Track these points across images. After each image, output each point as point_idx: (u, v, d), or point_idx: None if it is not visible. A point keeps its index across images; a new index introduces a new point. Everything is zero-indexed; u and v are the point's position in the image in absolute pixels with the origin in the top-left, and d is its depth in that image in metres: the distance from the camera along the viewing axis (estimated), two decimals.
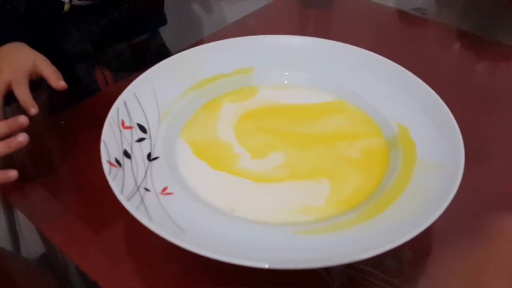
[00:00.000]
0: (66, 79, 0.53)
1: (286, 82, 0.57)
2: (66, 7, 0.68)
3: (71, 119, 0.60)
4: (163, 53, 0.84)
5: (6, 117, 0.48)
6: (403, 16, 0.84)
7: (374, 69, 0.55)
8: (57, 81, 0.52)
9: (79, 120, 0.59)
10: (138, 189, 0.42)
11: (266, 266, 0.35)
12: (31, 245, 0.50)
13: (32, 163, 0.51)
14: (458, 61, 0.73)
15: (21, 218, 0.50)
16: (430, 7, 0.87)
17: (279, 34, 0.77)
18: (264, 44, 0.58)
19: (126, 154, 0.45)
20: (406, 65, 0.67)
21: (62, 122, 0.55)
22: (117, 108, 0.48)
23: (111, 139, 0.45)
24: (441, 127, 0.47)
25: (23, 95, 0.50)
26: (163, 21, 0.84)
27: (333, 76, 0.56)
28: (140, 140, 0.47)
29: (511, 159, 0.53)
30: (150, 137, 0.48)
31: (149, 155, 0.46)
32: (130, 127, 0.48)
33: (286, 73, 0.57)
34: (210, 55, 0.57)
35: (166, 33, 0.85)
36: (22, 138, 0.44)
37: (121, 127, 0.47)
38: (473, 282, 0.42)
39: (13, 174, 0.44)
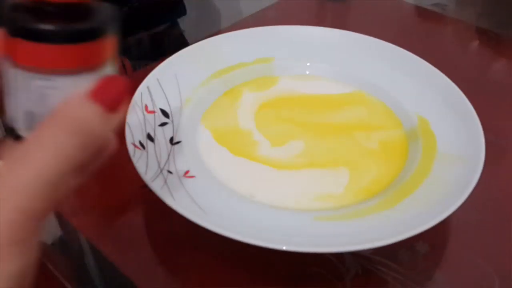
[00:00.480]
0: None
1: (307, 72, 0.57)
2: None
3: None
4: (181, 43, 0.85)
5: None
6: (421, 12, 0.85)
7: (395, 61, 0.55)
8: None
9: None
10: (161, 171, 0.42)
11: (284, 248, 0.36)
12: (48, 228, 0.51)
13: None
14: (477, 58, 0.73)
15: None
16: (449, 3, 0.87)
17: (298, 23, 0.78)
18: (285, 34, 0.59)
19: (150, 138, 0.46)
20: (425, 60, 0.68)
21: None
22: (141, 93, 0.49)
23: (135, 122, 0.46)
24: (462, 120, 0.47)
25: None
26: (183, 12, 0.84)
27: (353, 67, 0.56)
28: (163, 124, 0.48)
29: None
30: (172, 122, 0.49)
31: (171, 139, 0.47)
32: (153, 112, 0.49)
33: (308, 64, 0.58)
34: (231, 44, 0.57)
35: (185, 23, 0.86)
36: None
37: (145, 111, 0.48)
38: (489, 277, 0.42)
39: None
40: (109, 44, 0.29)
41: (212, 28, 1.04)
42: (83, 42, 0.27)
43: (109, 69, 0.30)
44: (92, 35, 0.28)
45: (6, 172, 0.24)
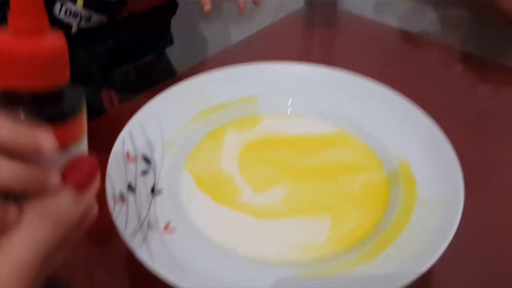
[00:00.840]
0: None
1: (289, 110, 0.58)
2: (74, 29, 0.68)
3: None
4: (169, 73, 0.85)
5: None
6: (407, 36, 0.85)
7: (378, 100, 0.55)
8: None
9: (88, 141, 0.60)
10: (141, 225, 0.42)
11: None
12: None
13: None
14: (462, 84, 0.74)
15: None
16: (435, 28, 0.87)
17: (284, 54, 0.79)
18: (269, 72, 0.59)
19: (130, 188, 0.46)
20: (409, 86, 0.68)
21: None
22: (123, 139, 0.49)
23: (116, 172, 0.46)
24: (443, 165, 0.47)
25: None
26: (170, 41, 0.84)
27: (336, 106, 0.57)
28: (144, 172, 0.48)
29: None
30: (154, 169, 0.49)
31: (153, 188, 0.47)
32: (135, 159, 0.49)
33: (290, 102, 0.58)
34: (215, 83, 0.57)
35: (172, 52, 0.86)
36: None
37: (126, 159, 0.48)
38: None
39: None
40: (78, 123, 0.29)
41: (200, 55, 1.05)
42: (53, 124, 0.28)
43: (80, 148, 0.30)
44: (61, 117, 0.28)
45: None
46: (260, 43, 0.83)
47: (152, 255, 0.39)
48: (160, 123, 0.52)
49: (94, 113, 0.73)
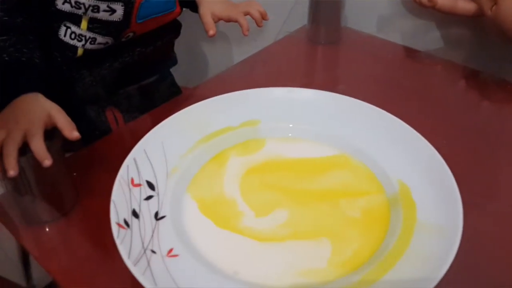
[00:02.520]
0: (78, 119, 0.55)
1: (290, 135, 0.58)
2: (80, 51, 0.70)
3: (83, 162, 0.62)
4: (174, 92, 0.86)
5: (21, 166, 0.50)
6: (410, 53, 0.86)
7: (379, 125, 0.56)
8: (71, 132, 0.53)
9: (91, 162, 0.61)
10: (145, 251, 0.43)
11: None
12: (42, 274, 0.52)
13: (45, 208, 0.53)
14: (465, 100, 0.74)
15: None
16: (438, 45, 0.88)
17: (288, 72, 0.80)
18: (270, 96, 0.60)
19: (135, 214, 0.47)
20: (412, 103, 0.69)
21: (75, 174, 0.56)
22: (127, 166, 0.50)
23: (121, 199, 0.47)
24: (442, 190, 0.48)
25: (38, 147, 0.52)
26: (174, 62, 0.86)
27: (337, 130, 0.57)
28: (148, 198, 0.49)
29: None
30: (158, 194, 0.50)
31: (156, 214, 0.48)
32: (139, 185, 0.50)
33: (291, 126, 0.59)
34: (217, 108, 0.58)
35: (177, 72, 0.88)
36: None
37: (131, 185, 0.49)
38: None
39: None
40: None
41: (204, 75, 1.06)
42: None
43: None
44: None
45: None
46: (264, 62, 0.84)
47: (156, 281, 0.40)
48: (164, 149, 0.53)
49: (99, 132, 0.75)
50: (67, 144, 0.55)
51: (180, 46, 0.86)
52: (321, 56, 0.87)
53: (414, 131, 0.54)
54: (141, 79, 0.81)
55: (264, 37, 0.98)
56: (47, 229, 0.54)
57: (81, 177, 0.57)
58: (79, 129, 0.53)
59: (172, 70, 0.87)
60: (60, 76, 0.72)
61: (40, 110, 0.57)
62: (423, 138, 0.53)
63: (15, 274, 0.71)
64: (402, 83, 0.77)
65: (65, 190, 0.55)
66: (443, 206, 0.47)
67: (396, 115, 0.56)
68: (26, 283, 0.71)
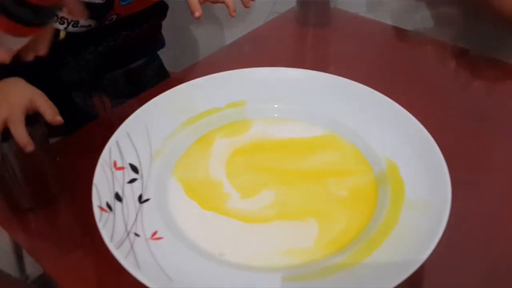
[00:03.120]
0: (64, 105, 0.54)
1: (276, 115, 0.58)
2: (62, 34, 0.68)
3: (70, 147, 0.61)
4: (162, 75, 0.85)
5: (3, 153, 0.49)
6: (400, 33, 0.85)
7: (366, 103, 0.55)
8: (53, 116, 0.53)
9: (78, 148, 0.60)
10: (128, 234, 0.43)
11: None
12: (34, 264, 0.52)
13: (30, 194, 0.53)
14: (454, 79, 0.74)
15: None
16: (428, 25, 0.87)
17: (277, 54, 0.79)
18: (256, 77, 0.59)
19: (118, 197, 0.46)
20: (402, 83, 0.68)
21: (58, 159, 0.56)
22: (110, 149, 0.49)
23: (103, 182, 0.46)
24: (430, 166, 0.47)
25: (19, 133, 0.51)
26: (161, 45, 0.84)
27: (324, 109, 0.57)
28: (132, 181, 0.48)
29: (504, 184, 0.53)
30: (142, 177, 0.49)
31: (140, 197, 0.47)
32: (123, 168, 0.49)
33: (276, 106, 0.58)
34: (202, 90, 0.57)
35: (165, 55, 0.86)
36: None
37: (113, 168, 0.48)
38: None
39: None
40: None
41: (193, 57, 1.05)
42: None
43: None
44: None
45: None
46: (253, 44, 0.83)
47: (139, 264, 0.40)
48: (147, 131, 0.53)
49: (87, 118, 0.73)
50: (53, 130, 0.54)
51: (168, 29, 0.85)
52: (311, 37, 0.86)
53: (402, 109, 0.53)
54: (128, 63, 0.80)
55: (253, 19, 0.97)
56: (33, 217, 0.53)
57: (67, 164, 0.57)
58: (66, 115, 0.52)
59: (160, 53, 0.86)
60: (42, 60, 0.70)
61: (21, 95, 0.56)
62: (411, 116, 0.52)
63: (8, 264, 0.70)
64: (391, 63, 0.76)
65: (50, 176, 0.54)
66: (431, 183, 0.46)
67: (385, 94, 0.56)
68: (19, 273, 0.70)
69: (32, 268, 0.70)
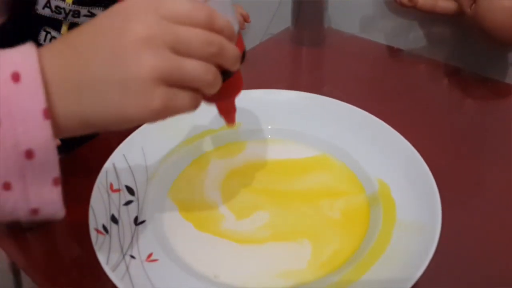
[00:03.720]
0: None
1: (269, 136, 0.59)
2: (64, 29, 0.69)
3: (67, 168, 0.61)
4: None
5: None
6: (393, 53, 0.86)
7: (359, 125, 0.56)
8: None
9: (75, 168, 0.60)
10: (123, 257, 0.43)
11: None
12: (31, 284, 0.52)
13: None
14: (447, 98, 0.75)
15: None
16: (421, 44, 0.88)
17: (272, 74, 0.80)
18: (248, 98, 0.60)
19: (114, 219, 0.46)
20: (394, 103, 0.69)
21: None
22: (106, 171, 0.50)
23: (99, 204, 0.47)
24: (421, 188, 0.48)
25: None
26: None
27: (317, 130, 0.58)
28: (128, 203, 0.49)
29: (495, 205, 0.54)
30: (138, 199, 0.50)
31: (136, 219, 0.48)
32: (119, 190, 0.49)
33: (269, 127, 0.59)
34: (197, 111, 0.58)
35: None
36: None
37: (110, 191, 0.49)
38: None
39: None
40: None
41: None
42: None
43: None
44: None
45: None
46: (247, 65, 0.83)
47: (134, 286, 0.40)
48: (143, 153, 0.53)
49: (85, 137, 0.73)
50: None
51: None
52: (305, 57, 0.87)
53: (394, 131, 0.54)
54: None
55: (247, 39, 0.98)
56: (30, 236, 0.54)
57: (64, 182, 0.57)
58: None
59: None
60: None
61: None
62: (403, 138, 0.53)
63: (5, 283, 0.70)
64: (385, 83, 0.77)
65: None
66: (422, 204, 0.47)
67: (379, 114, 0.57)
68: None
69: (29, 285, 0.71)
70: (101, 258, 0.42)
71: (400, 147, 0.52)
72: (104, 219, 0.46)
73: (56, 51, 0.30)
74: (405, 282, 0.40)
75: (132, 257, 0.43)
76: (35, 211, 0.30)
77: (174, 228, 0.48)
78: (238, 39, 0.39)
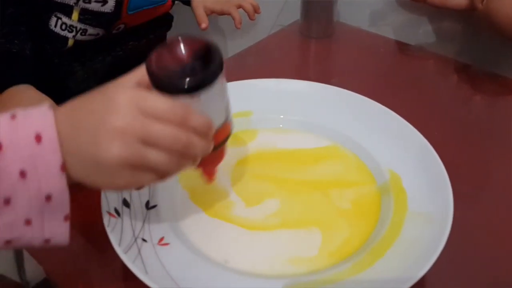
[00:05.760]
0: None
1: (281, 125, 0.59)
2: (70, 42, 0.70)
3: None
4: None
5: None
6: (402, 47, 0.86)
7: (370, 115, 0.56)
8: None
9: None
10: (135, 240, 0.43)
11: None
12: (36, 269, 0.52)
13: None
14: (456, 93, 0.75)
15: None
16: (430, 39, 0.88)
17: (281, 66, 0.80)
18: (261, 87, 0.60)
19: (125, 203, 0.47)
20: (404, 97, 0.69)
21: None
22: None
23: None
24: (433, 179, 0.48)
25: None
26: None
27: (329, 120, 0.58)
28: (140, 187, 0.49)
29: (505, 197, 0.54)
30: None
31: (147, 203, 0.48)
32: None
33: (282, 117, 0.59)
34: None
35: None
36: None
37: None
38: None
39: None
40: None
41: None
42: None
43: None
44: None
45: None
46: (257, 56, 0.84)
47: (146, 269, 0.40)
48: None
49: None
50: None
51: None
52: (314, 50, 0.87)
53: (405, 121, 0.54)
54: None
55: (257, 31, 0.98)
56: None
57: None
58: None
59: None
60: (52, 69, 0.72)
61: (30, 102, 0.57)
62: (414, 128, 0.53)
63: (9, 270, 0.71)
64: (394, 77, 0.77)
65: None
66: (433, 195, 0.47)
67: (388, 106, 0.57)
68: (19, 278, 0.71)
69: (33, 273, 0.71)
70: (113, 240, 0.42)
71: (412, 138, 0.52)
72: (116, 203, 0.46)
73: (64, 117, 0.35)
74: (414, 273, 0.40)
75: (144, 240, 0.44)
76: (47, 241, 0.35)
77: (185, 213, 0.48)
78: (223, 126, 0.43)
